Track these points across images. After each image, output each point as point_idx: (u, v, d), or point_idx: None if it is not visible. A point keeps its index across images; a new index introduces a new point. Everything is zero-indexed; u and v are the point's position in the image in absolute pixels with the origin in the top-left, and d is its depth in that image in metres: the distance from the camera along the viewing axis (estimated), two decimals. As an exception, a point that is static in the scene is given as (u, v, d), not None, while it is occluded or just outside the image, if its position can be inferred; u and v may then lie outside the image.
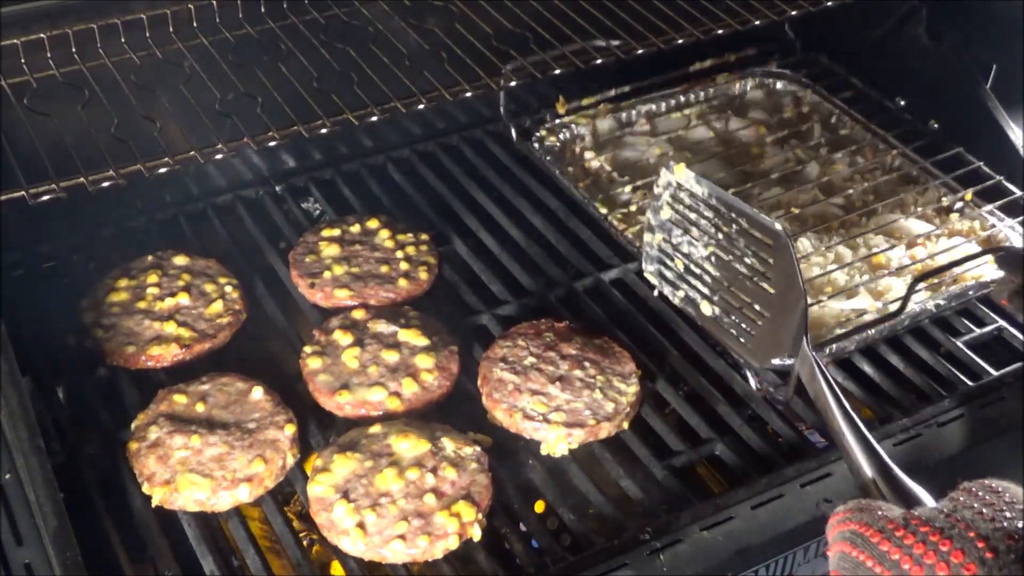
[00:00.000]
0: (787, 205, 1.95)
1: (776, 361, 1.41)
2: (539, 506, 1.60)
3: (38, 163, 1.61)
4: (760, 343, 1.42)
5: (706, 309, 1.48)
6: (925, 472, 1.55)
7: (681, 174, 1.47)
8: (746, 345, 1.44)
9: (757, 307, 1.41)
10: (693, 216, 1.47)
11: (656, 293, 1.58)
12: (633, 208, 1.95)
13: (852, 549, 1.08)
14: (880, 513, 1.09)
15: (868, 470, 1.24)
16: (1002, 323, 1.82)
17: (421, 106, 1.80)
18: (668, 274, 1.54)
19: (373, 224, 1.95)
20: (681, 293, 1.52)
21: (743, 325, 1.44)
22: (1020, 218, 1.88)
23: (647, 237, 1.55)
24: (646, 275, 1.58)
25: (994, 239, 1.87)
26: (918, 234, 1.89)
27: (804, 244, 1.84)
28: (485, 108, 2.26)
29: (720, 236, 1.44)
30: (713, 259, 1.46)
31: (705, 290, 1.48)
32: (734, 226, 1.42)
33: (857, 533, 1.08)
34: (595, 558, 1.44)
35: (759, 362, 1.44)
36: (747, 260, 1.41)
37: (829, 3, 2.06)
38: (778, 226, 1.37)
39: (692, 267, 1.49)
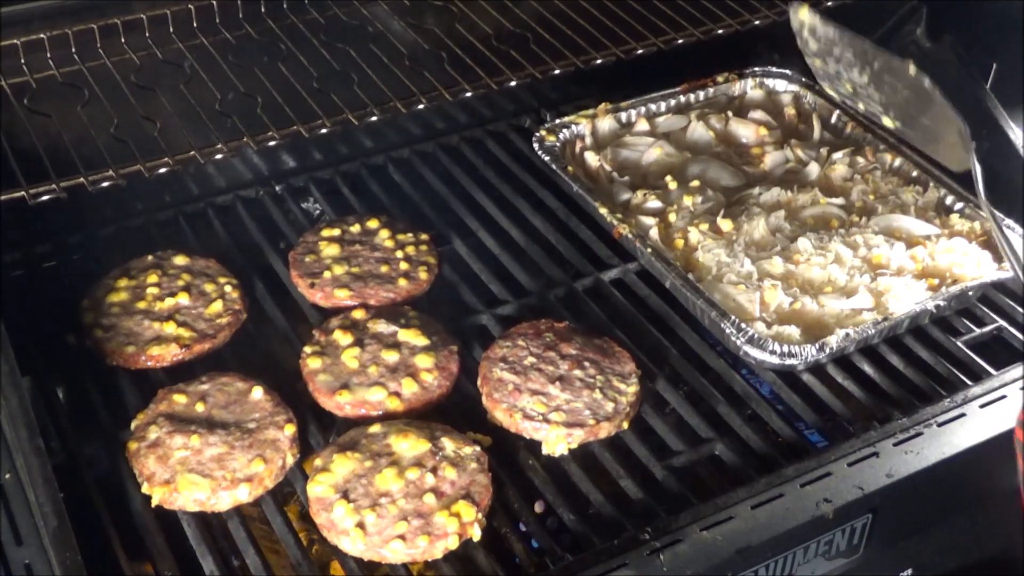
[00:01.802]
0: (787, 205, 1.95)
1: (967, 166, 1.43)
2: (539, 506, 1.60)
3: (38, 163, 1.61)
4: (950, 148, 1.42)
5: (888, 122, 1.51)
6: (925, 471, 1.57)
7: (805, 15, 1.49)
8: (943, 150, 1.45)
9: (926, 121, 1.42)
10: (837, 51, 1.49)
11: (840, 102, 1.67)
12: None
13: None
14: None
15: None
16: (1002, 323, 1.82)
17: (421, 106, 1.80)
18: (842, 89, 1.59)
19: (373, 224, 1.95)
20: (861, 106, 1.58)
21: (924, 137, 1.45)
22: (1020, 218, 1.88)
23: (815, 63, 1.64)
24: (827, 90, 1.67)
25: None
26: (918, 234, 1.89)
27: (804, 244, 1.84)
28: (485, 108, 2.26)
29: (869, 69, 1.47)
30: (873, 85, 1.48)
31: (879, 107, 1.51)
32: (876, 63, 1.44)
33: None
34: (595, 558, 1.44)
35: (960, 165, 1.45)
36: (903, 92, 1.43)
37: (829, 3, 2.06)
38: (912, 68, 1.38)
39: (859, 89, 1.52)
